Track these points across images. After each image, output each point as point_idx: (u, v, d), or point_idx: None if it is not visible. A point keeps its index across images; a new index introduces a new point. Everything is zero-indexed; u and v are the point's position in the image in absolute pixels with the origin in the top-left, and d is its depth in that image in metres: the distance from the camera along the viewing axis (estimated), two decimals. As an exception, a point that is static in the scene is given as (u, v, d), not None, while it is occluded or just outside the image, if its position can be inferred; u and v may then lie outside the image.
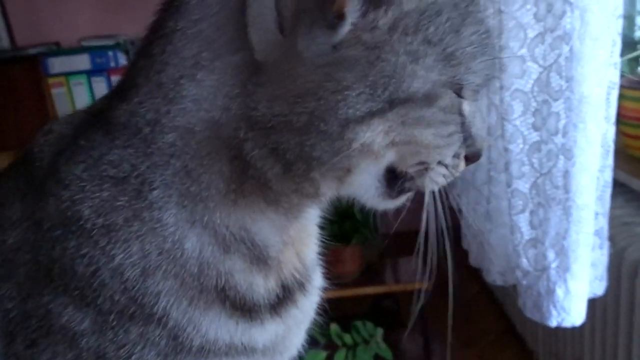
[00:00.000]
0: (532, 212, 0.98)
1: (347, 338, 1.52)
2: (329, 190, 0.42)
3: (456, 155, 0.43)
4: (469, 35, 0.39)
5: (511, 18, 0.91)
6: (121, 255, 0.40)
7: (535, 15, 0.90)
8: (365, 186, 0.43)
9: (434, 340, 1.82)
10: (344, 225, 1.63)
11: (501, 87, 0.97)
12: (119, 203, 0.40)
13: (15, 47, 2.44)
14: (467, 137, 0.43)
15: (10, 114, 2.39)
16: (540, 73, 0.92)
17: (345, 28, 0.37)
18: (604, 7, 0.82)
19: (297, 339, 0.50)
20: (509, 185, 1.00)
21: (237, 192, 0.41)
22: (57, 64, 2.29)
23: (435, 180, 0.44)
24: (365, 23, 0.37)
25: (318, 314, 0.52)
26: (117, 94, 0.42)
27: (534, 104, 0.94)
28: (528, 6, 0.90)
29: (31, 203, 0.42)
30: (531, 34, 0.91)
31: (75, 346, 0.40)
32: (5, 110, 2.38)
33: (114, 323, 0.40)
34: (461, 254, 1.43)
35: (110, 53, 2.26)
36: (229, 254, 0.42)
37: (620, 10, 0.87)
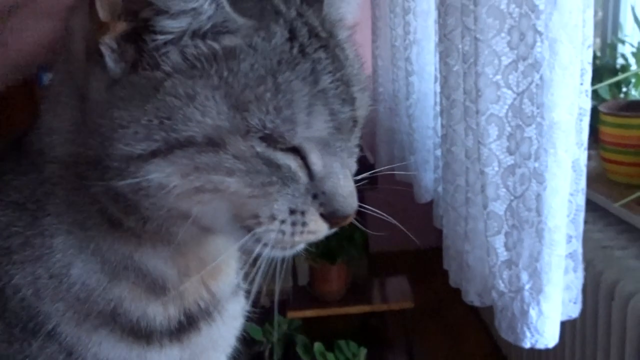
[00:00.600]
0: (507, 234, 1.00)
1: (331, 357, 1.52)
2: (186, 234, 0.42)
3: (298, 212, 0.41)
4: (264, 79, 0.37)
5: (486, 46, 0.94)
6: (18, 276, 0.42)
7: (508, 43, 0.93)
8: (230, 235, 0.43)
9: (418, 360, 1.83)
10: (330, 243, 1.65)
11: (477, 112, 0.99)
12: (15, 229, 0.43)
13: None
14: (318, 194, 0.41)
15: (4, 133, 2.41)
16: (514, 99, 0.95)
17: (113, 67, 0.37)
18: (574, 37, 0.85)
19: None
20: (485, 207, 1.02)
21: (113, 223, 0.43)
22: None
23: (268, 237, 0.41)
24: (130, 62, 0.37)
25: (240, 341, 0.55)
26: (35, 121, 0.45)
27: (508, 129, 0.96)
28: (502, 34, 0.94)
29: None
30: (505, 61, 0.94)
31: None
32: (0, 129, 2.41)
33: (19, 336, 0.42)
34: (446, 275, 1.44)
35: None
36: (117, 281, 0.44)
37: (590, 40, 0.91)
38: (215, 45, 0.37)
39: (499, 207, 1.00)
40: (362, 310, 1.77)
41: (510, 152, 0.97)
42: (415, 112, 1.67)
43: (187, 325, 0.48)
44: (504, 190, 0.99)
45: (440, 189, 1.47)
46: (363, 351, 1.50)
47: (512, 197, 0.98)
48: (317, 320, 1.73)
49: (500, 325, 1.03)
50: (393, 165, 1.86)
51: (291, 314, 1.68)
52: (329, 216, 0.42)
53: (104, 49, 0.37)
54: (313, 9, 0.42)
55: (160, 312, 0.46)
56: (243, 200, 0.39)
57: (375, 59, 1.99)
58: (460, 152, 1.14)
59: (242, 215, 0.40)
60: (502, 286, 1.01)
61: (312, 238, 0.43)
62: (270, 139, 0.38)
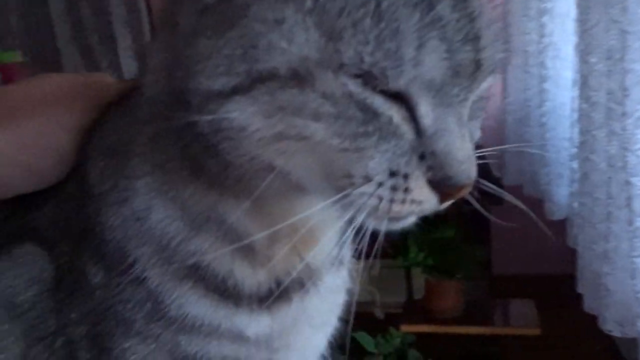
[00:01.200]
0: (657, 255, 0.86)
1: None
2: (271, 190, 0.37)
3: (400, 174, 0.34)
4: (366, 1, 0.31)
5: (636, 39, 0.83)
6: (112, 218, 0.43)
7: (665, 35, 0.82)
8: (320, 196, 0.37)
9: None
10: (448, 257, 1.57)
11: (623, 114, 0.88)
12: (108, 172, 0.43)
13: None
14: (426, 155, 0.34)
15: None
16: (671, 99, 0.82)
17: None
18: None
19: (305, 341, 0.47)
20: (630, 223, 0.90)
21: (195, 169, 0.40)
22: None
23: (361, 202, 0.35)
24: None
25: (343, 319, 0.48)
26: None
27: (662, 133, 0.84)
28: (657, 25, 0.82)
29: (77, 177, 0.47)
30: (660, 55, 0.82)
31: (92, 298, 0.44)
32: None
33: (115, 280, 0.42)
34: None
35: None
36: (198, 232, 0.41)
37: None
38: None
39: (648, 224, 0.87)
40: (480, 332, 1.65)
41: (664, 160, 0.85)
42: (549, 121, 1.54)
43: (278, 294, 0.44)
44: (655, 204, 0.87)
45: (576, 204, 1.33)
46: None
47: (666, 212, 0.85)
48: (431, 337, 1.65)
49: (646, 361, 0.89)
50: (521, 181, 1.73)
51: (404, 328, 1.63)
52: (439, 184, 0.35)
53: None
54: None
55: (248, 275, 0.43)
56: (332, 153, 0.34)
57: (504, 68, 1.88)
58: (600, 160, 1.01)
59: (332, 173, 0.35)
60: (649, 315, 0.88)
61: (417, 210, 0.36)
62: (368, 78, 0.32)
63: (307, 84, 0.33)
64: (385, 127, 0.34)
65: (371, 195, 0.35)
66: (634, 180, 0.88)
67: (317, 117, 0.33)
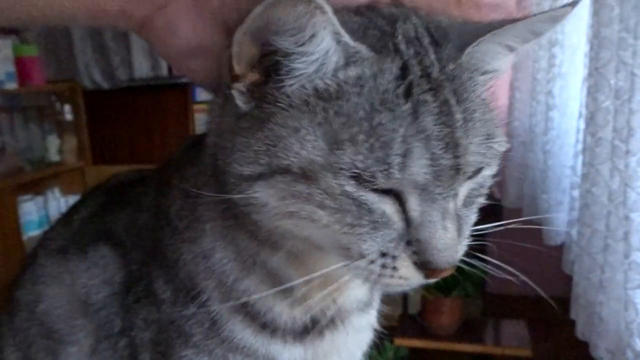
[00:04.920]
0: (651, 289, 0.90)
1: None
2: (297, 248, 0.45)
3: (389, 255, 0.41)
4: (361, 120, 0.38)
5: (644, 82, 0.87)
6: (184, 251, 0.49)
7: (672, 80, 0.86)
8: (335, 257, 0.43)
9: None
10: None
11: (627, 152, 0.92)
12: (184, 212, 0.50)
13: (171, 75, 2.78)
14: (412, 241, 0.40)
15: (158, 132, 2.71)
16: (673, 141, 0.86)
17: (241, 105, 0.42)
18: None
19: None
20: (626, 256, 0.93)
21: (241, 222, 0.47)
22: (203, 93, 2.56)
23: (356, 273, 0.42)
24: (255, 100, 0.41)
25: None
26: None
27: (663, 173, 0.88)
28: (665, 70, 0.86)
29: (155, 196, 0.53)
30: (666, 99, 0.86)
31: (158, 310, 0.50)
32: (155, 128, 2.71)
33: (181, 299, 0.49)
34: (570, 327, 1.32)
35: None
36: (248, 274, 0.48)
37: None
38: (332, 82, 0.40)
39: (643, 258, 0.91)
40: (474, 350, 1.68)
41: (663, 199, 0.89)
42: (553, 148, 1.57)
43: (311, 330, 0.51)
44: (651, 240, 0.90)
45: (574, 232, 1.36)
46: (471, 393, 1.43)
47: (661, 249, 0.88)
48: (424, 352, 1.68)
49: (634, 390, 0.92)
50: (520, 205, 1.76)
51: (398, 342, 1.66)
52: (423, 266, 0.41)
53: (234, 93, 0.42)
54: (441, 49, 0.41)
55: (286, 312, 0.49)
56: (336, 234, 0.40)
57: (512, 91, 1.92)
58: (602, 194, 1.05)
59: (337, 246, 0.42)
60: (640, 346, 0.91)
61: (404, 284, 0.42)
62: (361, 179, 0.38)
63: (313, 181, 0.39)
64: (378, 218, 0.40)
65: (364, 269, 0.42)
66: (632, 215, 0.91)
67: (321, 206, 0.40)
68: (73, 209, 0.61)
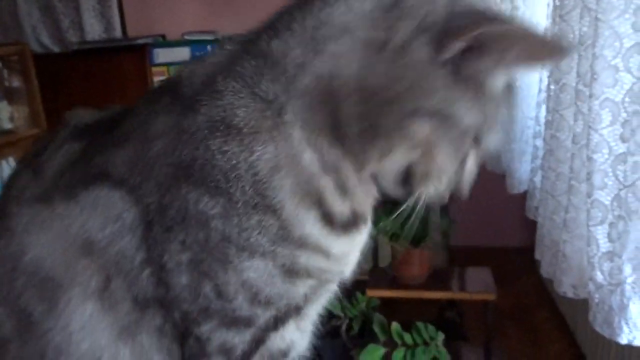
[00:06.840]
0: (611, 225, 0.96)
1: (408, 338, 1.53)
2: (371, 162, 0.52)
3: (445, 187, 0.53)
4: None
5: (607, 27, 0.91)
6: (259, 152, 0.50)
7: (633, 25, 0.89)
8: (390, 170, 0.52)
9: (495, 357, 1.79)
10: (415, 227, 1.64)
11: (590, 96, 0.96)
12: (265, 114, 0.50)
13: (126, 37, 2.67)
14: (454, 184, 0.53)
15: (117, 97, 2.62)
16: (634, 84, 0.90)
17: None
18: None
19: (354, 261, 0.61)
20: (589, 195, 0.99)
21: (334, 134, 0.51)
22: (162, 55, 2.49)
23: (427, 189, 0.53)
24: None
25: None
26: (269, 31, 0.52)
27: (624, 115, 0.92)
28: (626, 15, 0.90)
29: (177, 115, 0.52)
30: (627, 43, 0.90)
31: (206, 227, 0.50)
32: (113, 93, 2.62)
33: (240, 210, 0.50)
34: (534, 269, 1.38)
35: (209, 47, 2.41)
36: (325, 174, 0.53)
37: None
38: None
39: (605, 196, 0.97)
40: (441, 297, 1.75)
41: (623, 140, 0.93)
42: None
43: (353, 223, 0.56)
44: (612, 178, 0.95)
45: (536, 179, 1.43)
46: (441, 336, 1.49)
47: (622, 186, 0.94)
48: (394, 302, 1.74)
49: (595, 319, 0.99)
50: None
51: (370, 293, 1.70)
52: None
53: None
54: None
55: (340, 206, 0.54)
56: (434, 165, 0.52)
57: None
58: (566, 138, 1.10)
59: (421, 168, 0.52)
60: (600, 278, 0.98)
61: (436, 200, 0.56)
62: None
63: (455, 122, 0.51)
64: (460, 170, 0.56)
65: (435, 188, 0.55)
66: (595, 156, 0.96)
67: (450, 143, 0.52)
68: (37, 159, 0.59)
